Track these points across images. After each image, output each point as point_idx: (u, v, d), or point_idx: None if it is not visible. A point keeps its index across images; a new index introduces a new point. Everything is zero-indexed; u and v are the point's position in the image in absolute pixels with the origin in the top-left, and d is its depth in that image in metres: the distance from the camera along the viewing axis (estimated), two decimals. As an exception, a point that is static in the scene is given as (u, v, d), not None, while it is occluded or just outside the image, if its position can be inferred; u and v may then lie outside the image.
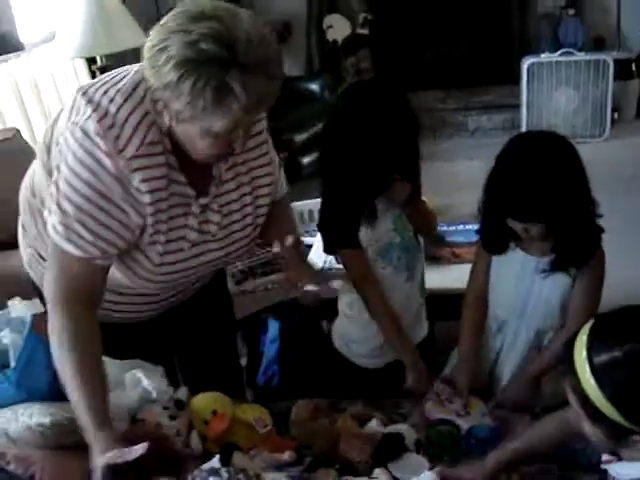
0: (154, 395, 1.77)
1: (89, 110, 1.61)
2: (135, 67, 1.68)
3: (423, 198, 2.31)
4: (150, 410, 1.73)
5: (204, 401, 1.84)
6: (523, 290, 2.08)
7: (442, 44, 6.37)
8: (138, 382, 1.80)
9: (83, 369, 1.61)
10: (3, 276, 2.80)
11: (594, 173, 1.92)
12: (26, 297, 1.92)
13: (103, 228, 1.65)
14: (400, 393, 2.17)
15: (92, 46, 3.75)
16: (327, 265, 2.91)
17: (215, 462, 1.58)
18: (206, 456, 1.65)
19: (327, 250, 2.22)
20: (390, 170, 2.03)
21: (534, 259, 2.04)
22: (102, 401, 1.61)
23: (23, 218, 1.99)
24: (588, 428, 1.41)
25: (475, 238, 2.22)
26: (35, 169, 1.89)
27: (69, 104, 1.71)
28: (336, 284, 1.85)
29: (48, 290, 1.70)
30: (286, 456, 1.73)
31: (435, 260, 2.90)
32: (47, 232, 1.71)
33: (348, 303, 2.26)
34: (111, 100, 1.62)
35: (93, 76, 4.06)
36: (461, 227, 3.13)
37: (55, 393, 1.80)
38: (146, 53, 1.54)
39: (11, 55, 3.93)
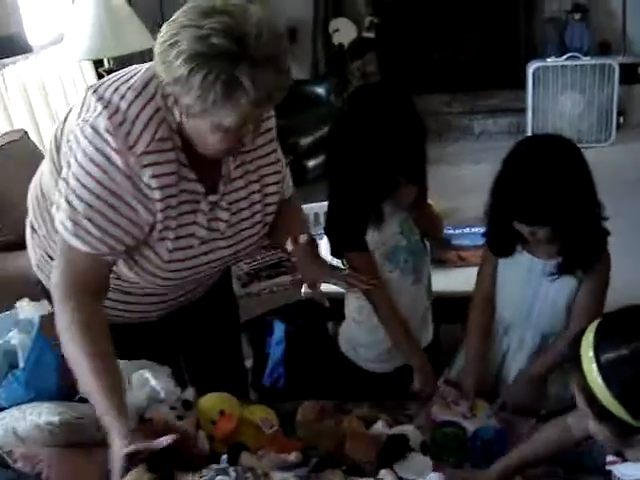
0: (162, 395, 1.77)
1: (100, 107, 1.62)
2: (146, 65, 1.69)
3: (429, 201, 2.31)
4: (158, 410, 1.72)
5: (211, 401, 1.84)
6: (529, 293, 2.08)
7: (448, 48, 6.37)
8: (146, 382, 1.80)
9: (97, 356, 1.62)
10: (11, 277, 2.81)
11: (599, 177, 1.93)
12: (34, 298, 1.93)
13: (112, 225, 1.66)
14: (406, 395, 2.17)
15: (100, 49, 3.77)
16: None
17: (223, 462, 1.59)
18: (213, 456, 1.66)
19: (334, 253, 2.22)
20: (397, 173, 2.03)
21: (541, 262, 2.04)
22: (119, 387, 1.63)
23: (32, 219, 2.00)
24: (594, 427, 1.42)
25: (481, 241, 2.23)
26: (43, 170, 1.90)
27: (79, 102, 1.73)
28: None
29: (55, 285, 1.71)
30: (292, 457, 1.72)
31: (441, 263, 2.90)
32: (55, 228, 1.72)
33: (357, 307, 2.26)
34: (122, 97, 1.63)
35: (100, 78, 4.07)
36: (467, 230, 3.12)
37: (63, 393, 1.81)
38: (157, 48, 1.55)
39: (19, 57, 3.95)
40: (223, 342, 2.32)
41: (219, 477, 1.51)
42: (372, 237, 2.12)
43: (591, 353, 1.35)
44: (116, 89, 1.65)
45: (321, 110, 5.42)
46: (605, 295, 2.04)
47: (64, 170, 1.67)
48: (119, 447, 1.51)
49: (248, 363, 2.77)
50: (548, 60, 5.72)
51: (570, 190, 1.86)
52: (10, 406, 1.77)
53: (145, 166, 1.63)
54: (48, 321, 1.79)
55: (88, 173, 1.62)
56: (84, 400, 1.76)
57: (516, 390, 2.12)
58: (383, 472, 1.71)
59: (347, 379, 2.34)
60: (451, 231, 3.14)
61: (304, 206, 3.44)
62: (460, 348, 2.33)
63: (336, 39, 6.19)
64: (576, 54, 5.67)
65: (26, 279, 2.14)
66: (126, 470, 1.48)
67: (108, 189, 1.63)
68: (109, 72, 3.82)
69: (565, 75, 5.69)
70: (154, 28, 1.63)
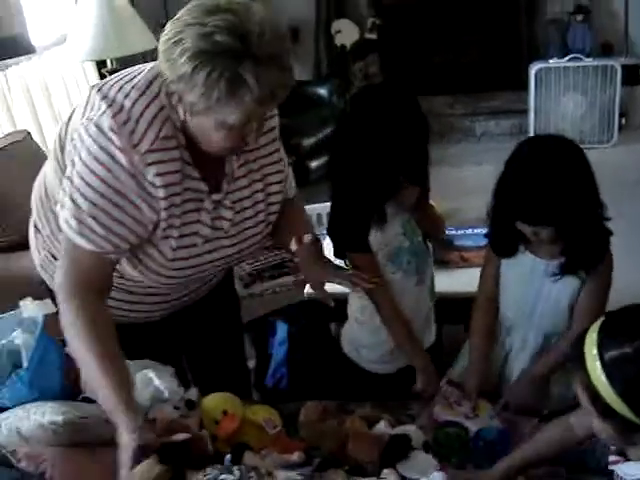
0: (165, 395, 1.78)
1: (104, 106, 1.63)
2: (150, 64, 1.70)
3: (431, 202, 2.31)
4: (161, 410, 1.73)
5: (215, 401, 1.85)
6: (532, 293, 2.08)
7: (450, 49, 6.36)
8: (149, 382, 1.80)
9: (104, 352, 1.63)
10: (15, 277, 2.82)
11: (601, 178, 1.93)
12: (38, 298, 1.93)
13: (116, 223, 1.66)
14: (409, 395, 2.18)
15: (103, 49, 3.78)
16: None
17: (227, 462, 1.59)
18: (217, 456, 1.66)
19: (337, 254, 2.22)
20: (399, 174, 2.03)
21: (543, 262, 2.05)
22: (127, 382, 1.64)
23: (35, 219, 2.00)
24: (598, 425, 1.42)
25: (483, 242, 2.23)
26: (47, 170, 1.90)
27: (84, 101, 1.73)
28: None
29: (59, 285, 1.71)
30: (295, 457, 1.73)
31: (444, 264, 2.89)
32: (59, 227, 1.72)
33: (359, 308, 2.26)
34: (126, 95, 1.64)
35: (103, 79, 4.08)
36: (469, 231, 3.12)
37: (67, 393, 1.82)
38: (161, 46, 1.56)
39: (22, 58, 3.96)
40: (226, 342, 2.33)
41: (223, 476, 1.52)
42: (375, 238, 2.12)
43: (595, 351, 1.36)
44: (120, 88, 1.66)
45: (323, 111, 5.42)
46: (607, 295, 2.05)
47: (68, 169, 1.68)
48: (127, 442, 1.51)
49: (251, 363, 2.78)
50: (550, 61, 5.72)
51: (573, 190, 1.86)
52: (14, 406, 1.77)
53: (149, 164, 1.63)
54: (52, 320, 1.79)
55: (92, 172, 1.62)
56: (88, 399, 1.77)
57: (518, 390, 2.13)
58: (386, 472, 1.72)
59: (350, 380, 2.34)
60: (453, 232, 3.14)
61: (307, 207, 3.46)
62: (462, 349, 2.33)
63: (338, 40, 6.19)
64: (578, 55, 5.66)
65: (29, 279, 2.14)
66: (137, 461, 1.49)
67: (112, 187, 1.63)
68: (112, 73, 3.78)
69: (567, 76, 5.69)
70: (157, 29, 1.64)
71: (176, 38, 1.52)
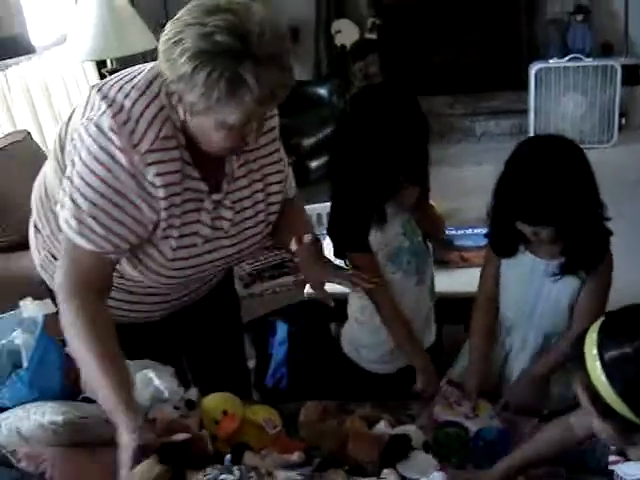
0: (165, 395, 1.78)
1: (104, 106, 1.63)
2: (150, 64, 1.70)
3: (431, 202, 2.31)
4: (161, 410, 1.73)
5: (215, 401, 1.85)
6: (532, 293, 2.08)
7: (450, 49, 6.36)
8: (149, 382, 1.80)
9: (104, 352, 1.63)
10: (15, 277, 2.82)
11: (601, 178, 1.93)
12: (37, 298, 1.93)
13: (116, 223, 1.66)
14: (409, 395, 2.18)
15: (103, 49, 3.78)
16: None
17: (227, 462, 1.59)
18: (217, 456, 1.66)
19: (337, 254, 2.22)
20: (399, 174, 2.03)
21: (543, 262, 2.05)
22: (127, 382, 1.64)
23: (35, 219, 2.00)
24: (598, 425, 1.42)
25: (483, 242, 2.24)
26: (47, 170, 1.90)
27: (84, 101, 1.73)
28: None
29: (59, 285, 1.71)
30: (295, 457, 1.73)
31: (444, 264, 2.90)
32: (59, 227, 1.72)
33: (359, 308, 2.26)
34: (126, 95, 1.64)
35: (103, 79, 4.08)
36: (469, 231, 3.13)
37: (67, 393, 1.82)
38: (161, 46, 1.56)
39: (22, 58, 3.96)
40: (226, 342, 2.33)
41: (223, 476, 1.52)
42: (375, 238, 2.12)
43: (595, 351, 1.36)
44: (120, 88, 1.66)
45: (323, 111, 5.42)
46: (607, 295, 2.05)
47: (68, 169, 1.68)
48: (127, 442, 1.52)
49: (251, 363, 2.78)
50: (550, 61, 5.72)
51: (573, 190, 1.86)
52: (14, 406, 1.77)
53: (149, 164, 1.63)
54: (52, 320, 1.79)
55: (92, 171, 1.63)
56: (88, 399, 1.77)
57: (518, 390, 2.13)
58: (386, 472, 1.72)
59: (350, 380, 2.34)
60: (453, 232, 3.14)
61: (307, 207, 3.47)
62: (462, 349, 2.33)
63: (338, 40, 6.19)
64: (578, 55, 5.66)
65: (29, 279, 2.14)
66: (137, 461, 1.49)
67: (112, 187, 1.63)
68: (112, 73, 3.78)
69: (567, 76, 5.69)
70: (157, 29, 1.64)
71: (176, 38, 1.52)
